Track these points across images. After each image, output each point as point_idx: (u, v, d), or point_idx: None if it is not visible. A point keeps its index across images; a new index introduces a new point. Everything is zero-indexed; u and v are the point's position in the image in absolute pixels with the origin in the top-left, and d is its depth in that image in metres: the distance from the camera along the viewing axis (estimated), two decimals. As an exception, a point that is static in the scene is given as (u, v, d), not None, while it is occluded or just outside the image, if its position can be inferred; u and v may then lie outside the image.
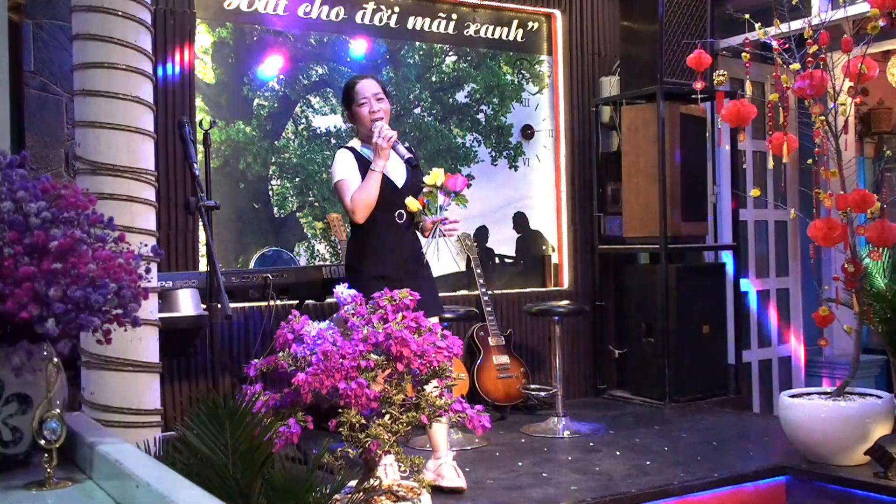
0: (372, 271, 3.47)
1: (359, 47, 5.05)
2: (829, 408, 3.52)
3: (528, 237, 5.64)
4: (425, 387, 2.49)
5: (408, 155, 3.44)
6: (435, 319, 3.41)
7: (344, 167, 3.50)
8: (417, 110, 5.27)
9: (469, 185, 3.69)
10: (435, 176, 3.54)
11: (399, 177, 3.54)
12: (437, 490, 3.28)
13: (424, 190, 3.56)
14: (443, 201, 3.53)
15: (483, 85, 5.49)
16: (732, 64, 5.45)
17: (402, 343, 2.36)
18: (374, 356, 2.39)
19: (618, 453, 3.97)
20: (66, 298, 1.29)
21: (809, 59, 3.49)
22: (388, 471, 3.35)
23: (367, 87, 3.54)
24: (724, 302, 5.46)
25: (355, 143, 3.63)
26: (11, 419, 1.34)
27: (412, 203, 3.51)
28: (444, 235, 3.54)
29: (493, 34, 5.53)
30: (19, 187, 1.36)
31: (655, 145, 5.14)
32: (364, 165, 3.49)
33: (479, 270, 4.97)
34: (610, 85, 5.67)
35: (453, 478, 3.42)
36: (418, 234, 3.62)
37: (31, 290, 1.27)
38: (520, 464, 3.82)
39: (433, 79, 5.35)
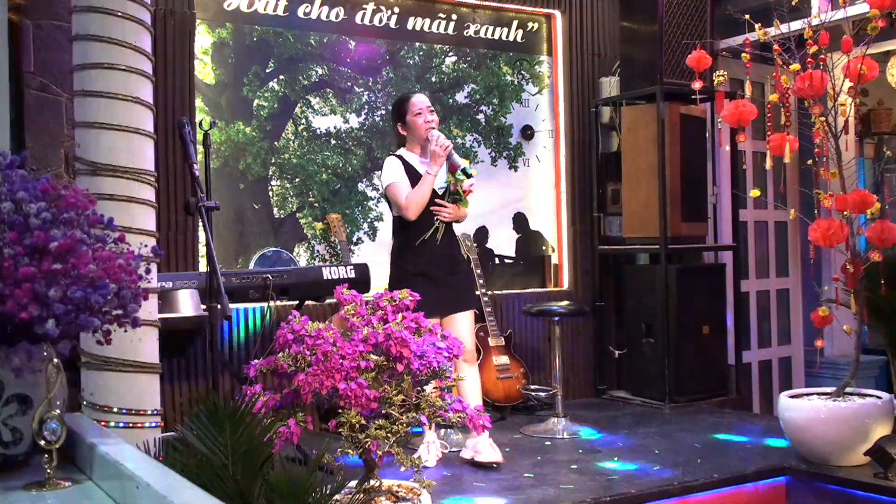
0: (414, 268, 3.83)
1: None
2: (829, 408, 3.52)
3: (527, 237, 5.64)
4: (425, 387, 2.49)
5: (463, 164, 3.85)
6: (469, 313, 3.93)
7: (394, 172, 3.89)
8: (417, 111, 5.26)
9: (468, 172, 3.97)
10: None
11: (438, 185, 3.89)
12: (474, 465, 3.76)
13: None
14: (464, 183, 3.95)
15: (483, 85, 5.49)
16: (732, 64, 5.45)
17: (401, 344, 2.36)
18: (373, 357, 2.39)
19: (617, 454, 3.97)
20: (67, 299, 1.29)
21: (809, 59, 3.49)
22: (431, 448, 3.80)
23: (422, 100, 3.95)
24: (724, 302, 5.46)
25: (402, 151, 3.99)
26: (11, 420, 1.34)
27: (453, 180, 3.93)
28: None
29: (492, 35, 5.53)
30: (19, 188, 1.36)
31: (655, 146, 5.14)
32: (409, 170, 3.88)
33: (478, 271, 4.96)
34: (610, 85, 5.67)
35: (490, 453, 3.77)
36: (458, 238, 4.03)
37: (32, 291, 1.27)
38: (520, 464, 3.82)
39: (433, 79, 5.35)
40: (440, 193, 3.91)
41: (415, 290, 3.57)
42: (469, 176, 3.86)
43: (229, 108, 4.72)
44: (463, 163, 3.86)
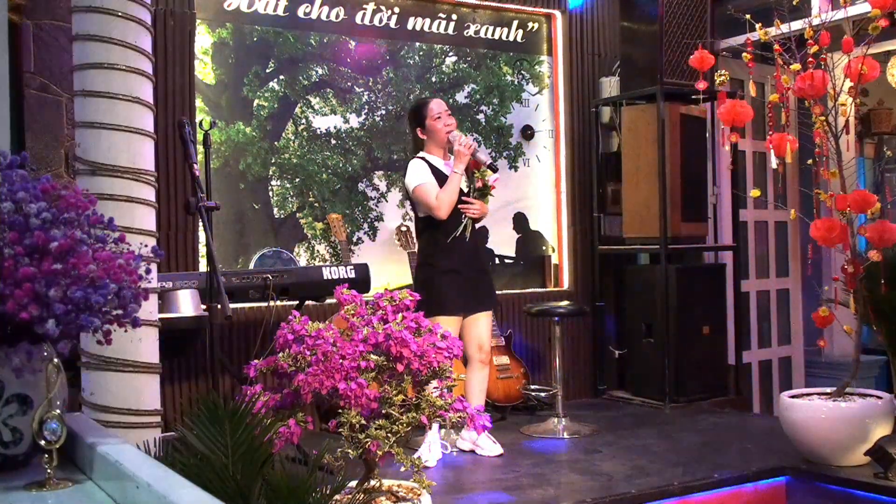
0: (444, 265, 3.97)
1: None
2: (829, 408, 3.52)
3: (528, 238, 5.64)
4: (425, 387, 2.49)
5: (489, 160, 3.99)
6: (490, 313, 4.11)
7: (421, 173, 4.00)
8: (417, 111, 5.26)
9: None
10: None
11: (464, 184, 4.04)
12: (475, 457, 3.94)
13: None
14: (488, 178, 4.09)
15: (483, 85, 5.49)
16: (732, 64, 5.45)
17: (401, 344, 2.36)
18: (373, 357, 2.39)
19: (618, 454, 3.97)
20: (67, 299, 1.29)
21: (810, 59, 3.49)
22: (432, 448, 3.86)
23: (440, 104, 4.09)
24: (724, 302, 5.46)
25: (424, 154, 4.10)
26: (11, 420, 1.33)
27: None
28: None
29: (493, 35, 5.53)
30: (19, 188, 1.35)
31: (655, 146, 5.14)
32: (434, 172, 4.00)
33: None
34: (610, 85, 5.67)
35: (489, 446, 3.95)
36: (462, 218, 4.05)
37: (32, 291, 1.27)
38: (520, 464, 3.82)
39: (433, 79, 5.35)
40: (465, 191, 4.03)
41: (445, 287, 3.97)
42: (495, 170, 4.00)
43: (229, 108, 4.72)
44: (487, 158, 3.99)
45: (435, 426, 3.84)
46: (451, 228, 3.98)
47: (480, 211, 4.04)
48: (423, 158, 4.07)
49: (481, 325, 4.06)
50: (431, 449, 3.83)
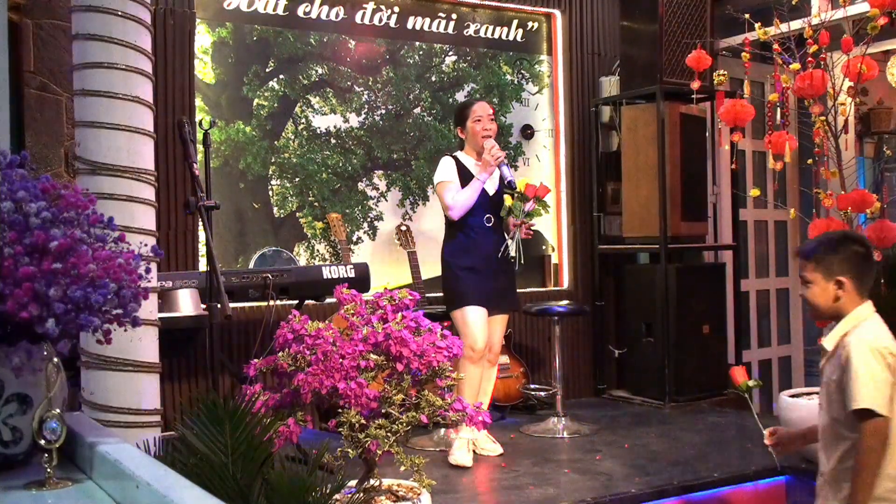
0: (462, 263, 4.02)
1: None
2: (829, 408, 3.51)
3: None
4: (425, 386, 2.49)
5: (510, 178, 3.95)
6: (505, 316, 4.14)
7: (446, 171, 4.06)
8: (417, 110, 5.27)
9: (549, 192, 4.12)
10: (520, 184, 4.02)
11: (491, 187, 4.08)
12: (475, 457, 3.88)
13: (513, 196, 4.02)
14: (528, 206, 4.01)
15: (483, 85, 5.49)
16: (732, 64, 5.45)
17: (401, 343, 2.36)
18: (373, 356, 2.39)
19: (618, 454, 3.97)
20: (66, 298, 1.29)
21: (809, 58, 3.50)
22: (469, 445, 3.84)
23: (484, 108, 4.09)
24: (724, 302, 5.46)
25: (459, 153, 4.15)
26: (11, 419, 1.34)
27: (508, 198, 4.01)
28: (525, 236, 4.05)
29: (492, 34, 5.53)
30: (19, 187, 1.35)
31: (655, 145, 5.14)
32: (462, 171, 4.06)
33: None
34: (610, 85, 5.67)
35: (489, 446, 3.99)
36: (506, 235, 4.10)
37: (32, 290, 1.27)
38: (520, 464, 3.82)
39: (433, 79, 5.35)
40: (490, 195, 4.05)
41: (464, 283, 4.01)
42: (512, 188, 3.97)
43: (229, 108, 4.72)
44: (509, 175, 3.96)
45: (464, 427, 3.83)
46: (473, 230, 4.01)
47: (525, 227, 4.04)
48: (454, 157, 4.11)
49: (496, 326, 4.08)
50: (468, 447, 3.82)
